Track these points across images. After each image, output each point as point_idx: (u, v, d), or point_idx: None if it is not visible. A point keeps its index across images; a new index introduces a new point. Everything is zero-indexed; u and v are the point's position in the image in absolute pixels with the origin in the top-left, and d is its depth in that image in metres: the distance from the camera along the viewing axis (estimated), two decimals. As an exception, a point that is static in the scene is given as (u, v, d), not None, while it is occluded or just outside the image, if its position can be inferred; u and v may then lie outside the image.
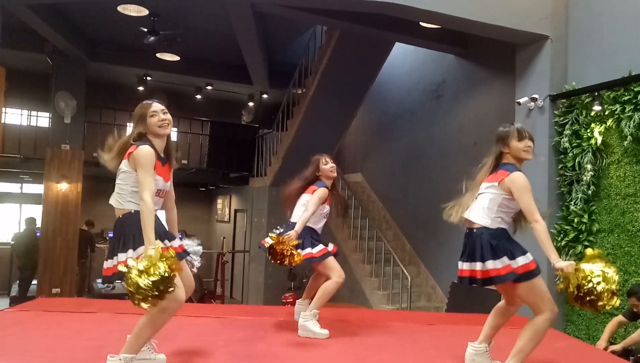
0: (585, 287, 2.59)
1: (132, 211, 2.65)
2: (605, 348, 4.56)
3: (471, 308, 5.48)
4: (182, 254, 2.81)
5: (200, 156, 12.84)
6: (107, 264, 2.67)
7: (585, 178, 5.27)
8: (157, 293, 2.34)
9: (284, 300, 8.34)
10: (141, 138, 2.76)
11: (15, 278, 11.58)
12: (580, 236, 5.28)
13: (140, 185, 2.61)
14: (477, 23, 5.51)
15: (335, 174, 4.00)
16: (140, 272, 2.32)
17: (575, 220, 5.31)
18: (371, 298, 8.47)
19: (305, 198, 3.89)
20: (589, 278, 2.60)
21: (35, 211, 11.29)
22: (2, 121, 6.61)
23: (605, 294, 2.59)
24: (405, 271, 7.84)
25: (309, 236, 3.80)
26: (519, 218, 2.92)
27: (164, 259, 2.38)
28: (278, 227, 3.89)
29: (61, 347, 3.23)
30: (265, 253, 3.73)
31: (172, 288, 2.40)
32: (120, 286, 11.30)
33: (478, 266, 2.77)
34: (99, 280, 11.55)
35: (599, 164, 5.22)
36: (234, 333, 3.77)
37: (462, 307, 5.90)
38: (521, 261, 2.74)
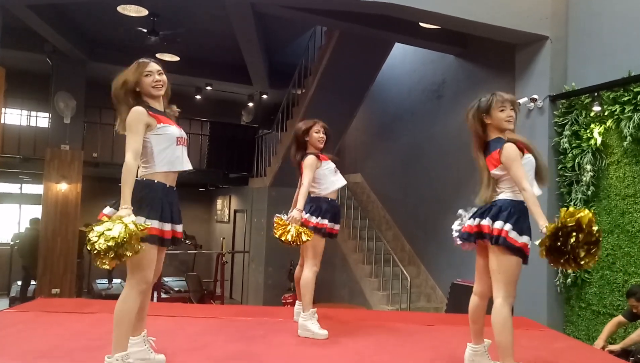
0: (560, 234, 2.51)
1: (148, 177, 2.63)
2: (603, 348, 4.56)
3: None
4: (167, 240, 2.67)
5: (200, 157, 12.84)
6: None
7: (584, 179, 5.27)
8: (112, 255, 2.35)
9: (284, 301, 8.34)
10: (137, 99, 2.69)
11: (15, 278, 11.59)
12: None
13: (126, 145, 2.57)
14: (477, 23, 5.51)
15: (321, 146, 3.90)
16: (99, 233, 2.35)
17: (575, 221, 5.30)
18: (371, 299, 8.47)
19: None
20: (566, 227, 2.50)
21: (35, 212, 11.29)
22: (2, 122, 6.61)
23: (583, 246, 2.49)
24: (404, 271, 7.84)
25: (316, 206, 3.77)
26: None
27: (131, 224, 2.38)
28: (283, 212, 3.83)
29: (61, 348, 3.23)
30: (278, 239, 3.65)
31: (129, 253, 2.37)
32: (119, 286, 11.38)
33: (486, 221, 2.78)
34: (99, 281, 11.57)
35: (598, 165, 5.22)
36: (234, 333, 3.77)
37: (461, 308, 5.88)
38: (524, 239, 2.74)
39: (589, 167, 5.23)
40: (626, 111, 4.90)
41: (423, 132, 9.08)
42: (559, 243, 2.52)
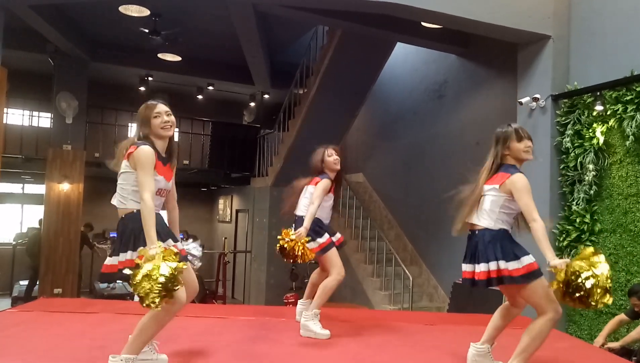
0: (573, 283, 2.55)
1: (135, 210, 2.66)
2: (602, 345, 4.55)
3: (473, 309, 5.47)
4: (184, 257, 2.78)
5: (202, 157, 12.85)
6: (109, 261, 2.68)
7: (587, 178, 5.26)
8: (164, 294, 2.35)
9: (286, 300, 8.34)
10: (144, 138, 2.76)
11: (18, 278, 11.60)
12: (582, 236, 5.27)
13: (140, 185, 2.62)
14: (478, 23, 5.50)
15: (338, 167, 3.96)
16: (145, 276, 2.34)
17: (577, 220, 5.30)
18: (373, 299, 8.46)
19: (309, 190, 3.90)
20: (578, 274, 2.55)
21: (38, 212, 11.31)
22: (4, 122, 6.62)
23: (597, 291, 2.52)
24: (407, 271, 7.83)
25: (314, 226, 3.80)
26: (518, 218, 2.93)
27: (167, 258, 2.40)
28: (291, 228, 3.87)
29: (63, 347, 3.24)
30: (279, 253, 3.73)
31: (178, 286, 2.41)
32: (121, 286, 11.37)
33: (482, 267, 2.77)
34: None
35: (601, 164, 5.21)
36: (236, 333, 3.77)
37: (464, 307, 5.90)
38: (525, 261, 2.74)
39: (591, 166, 5.22)
40: (629, 110, 4.89)
41: (425, 132, 9.08)
42: (571, 290, 2.57)
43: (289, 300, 8.16)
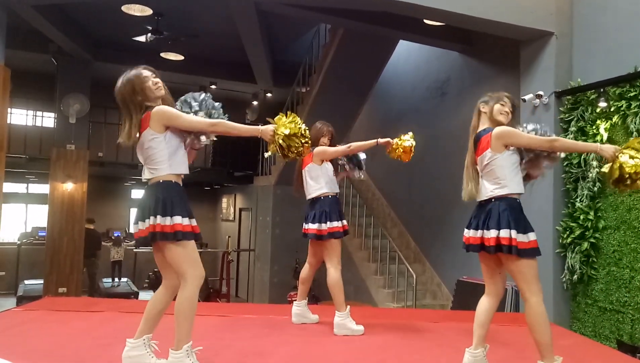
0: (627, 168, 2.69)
1: (164, 179, 2.67)
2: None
3: (476, 306, 5.46)
4: (196, 235, 2.75)
5: (205, 155, 12.87)
6: (139, 226, 2.65)
7: (591, 175, 5.25)
8: (304, 140, 2.78)
9: (290, 299, 8.35)
10: (146, 108, 2.73)
11: (23, 277, 11.66)
12: (586, 233, 5.26)
13: (192, 125, 2.73)
14: (481, 20, 5.49)
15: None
16: (290, 135, 2.73)
17: (581, 217, 5.29)
18: (376, 296, 8.47)
19: (309, 169, 3.93)
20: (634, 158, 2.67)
21: (42, 211, 11.35)
22: (8, 122, 6.64)
23: None
24: (410, 269, 7.84)
25: (336, 208, 3.86)
26: (529, 164, 2.95)
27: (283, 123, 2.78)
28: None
29: (67, 346, 3.25)
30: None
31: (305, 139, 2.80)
32: (125, 284, 11.37)
33: (492, 233, 2.76)
34: (105, 280, 11.62)
35: (604, 161, 5.19)
36: (240, 331, 3.78)
37: (467, 305, 5.88)
38: (531, 236, 2.75)
39: (595, 163, 5.20)
40: (632, 106, 4.87)
41: (427, 129, 9.05)
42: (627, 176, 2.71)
43: (293, 298, 8.15)
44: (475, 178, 2.96)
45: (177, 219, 2.60)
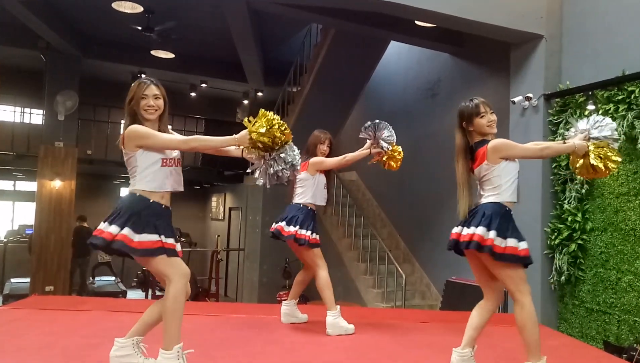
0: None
1: (138, 193, 2.64)
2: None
3: (466, 307, 5.47)
4: (174, 251, 2.68)
5: (195, 154, 12.80)
6: (101, 226, 2.60)
7: (579, 177, 5.29)
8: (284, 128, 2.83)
9: (279, 298, 8.33)
10: (133, 116, 2.72)
11: (9, 275, 11.54)
12: (574, 234, 5.30)
13: (163, 145, 2.67)
14: (472, 22, 5.52)
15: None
16: (264, 133, 2.77)
17: (569, 219, 5.33)
18: (366, 296, 8.48)
19: (300, 177, 3.95)
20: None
21: (29, 209, 11.23)
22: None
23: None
24: (399, 269, 7.85)
25: (312, 221, 3.89)
26: None
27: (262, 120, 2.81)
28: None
29: (55, 345, 3.22)
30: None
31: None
32: (115, 284, 11.27)
33: (469, 230, 2.77)
34: (97, 279, 11.52)
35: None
36: (229, 331, 3.77)
37: (456, 305, 5.91)
38: (511, 242, 2.73)
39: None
40: (620, 109, 4.92)
41: (418, 130, 9.09)
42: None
43: (282, 298, 8.14)
44: (468, 197, 2.93)
45: (144, 236, 2.54)
